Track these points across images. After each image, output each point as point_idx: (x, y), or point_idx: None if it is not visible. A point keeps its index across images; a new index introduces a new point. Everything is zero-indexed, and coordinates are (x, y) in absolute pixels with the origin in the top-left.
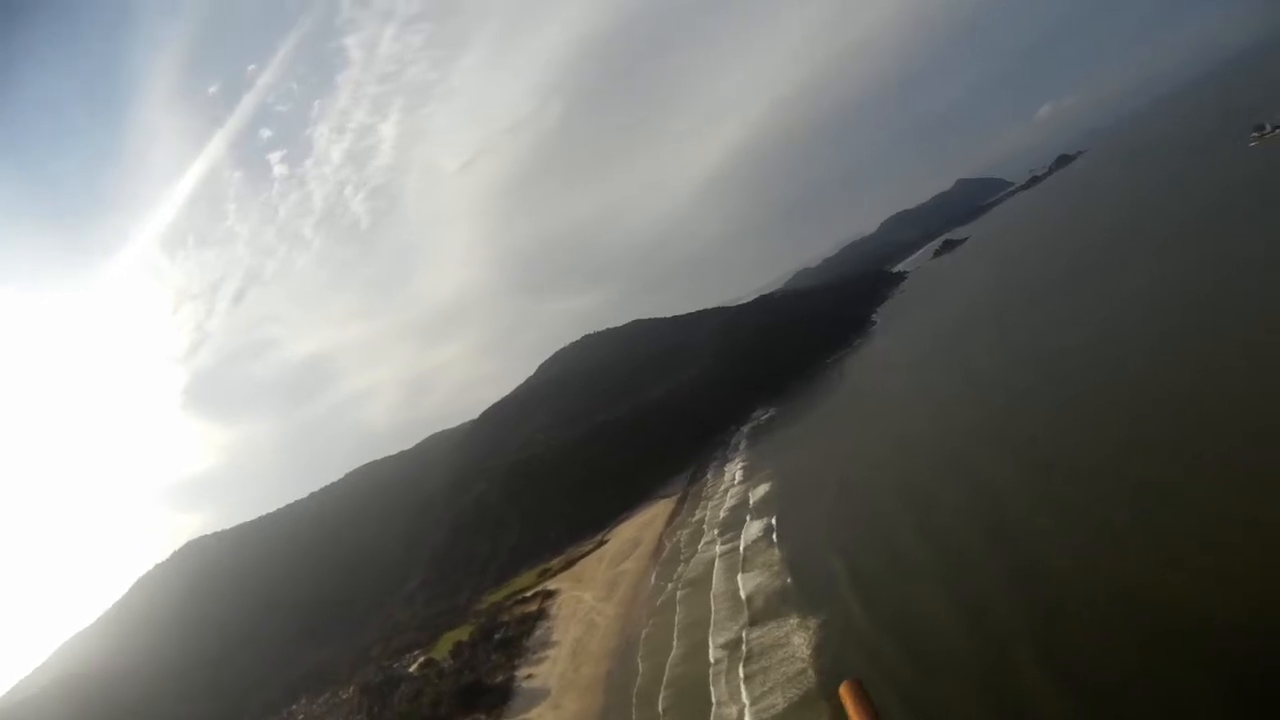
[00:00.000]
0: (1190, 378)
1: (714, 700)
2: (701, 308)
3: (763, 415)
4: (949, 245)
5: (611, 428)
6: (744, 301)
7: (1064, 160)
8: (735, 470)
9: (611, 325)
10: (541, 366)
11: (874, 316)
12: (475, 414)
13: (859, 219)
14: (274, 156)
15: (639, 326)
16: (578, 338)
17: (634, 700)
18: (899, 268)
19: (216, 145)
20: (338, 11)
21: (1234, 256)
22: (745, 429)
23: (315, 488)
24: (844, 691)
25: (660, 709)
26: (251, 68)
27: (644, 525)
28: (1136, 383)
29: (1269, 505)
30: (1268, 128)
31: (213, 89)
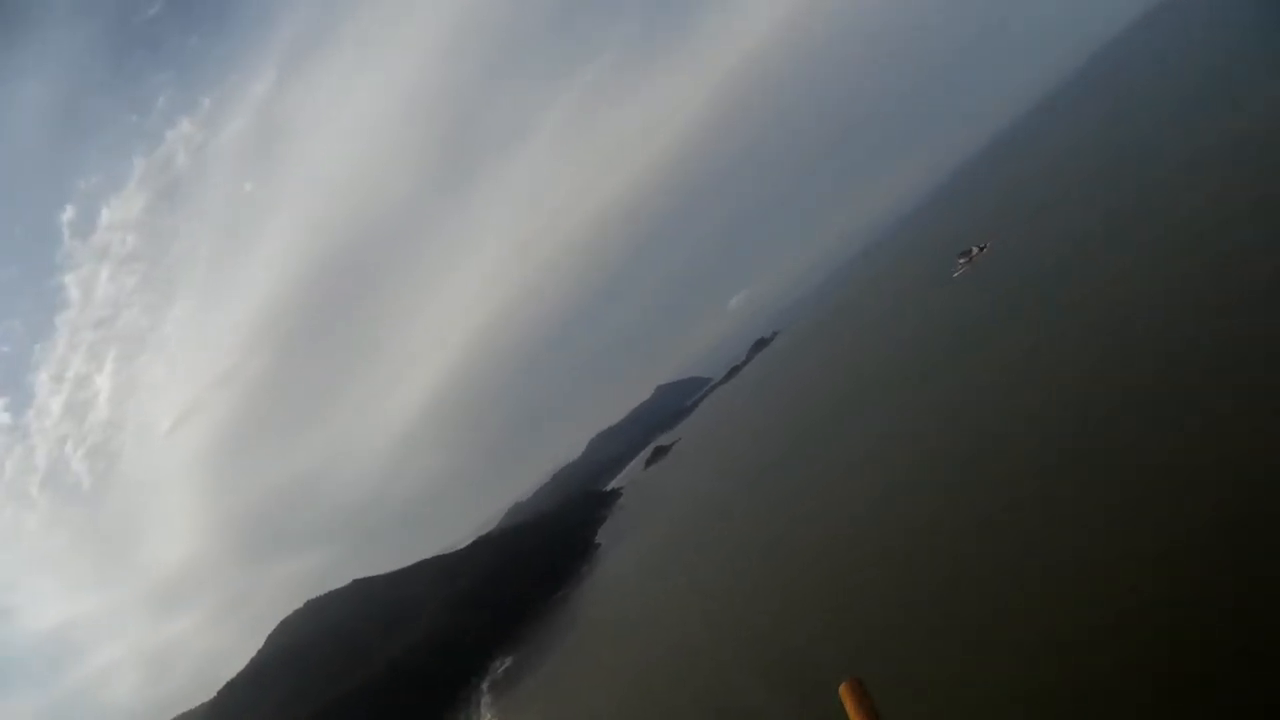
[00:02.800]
0: (902, 551)
1: None
2: (422, 558)
3: (500, 667)
4: (659, 452)
5: (343, 705)
6: (463, 546)
7: (761, 344)
8: None
9: (334, 587)
10: (270, 637)
11: (597, 539)
12: (215, 691)
13: (566, 443)
14: None
15: (361, 587)
16: (301, 604)
17: None
18: (613, 485)
19: None
20: (58, 245)
21: (938, 406)
22: (485, 684)
23: None
24: (844, 691)
25: None
26: None
27: None
28: (850, 567)
29: None
30: (973, 250)
31: None
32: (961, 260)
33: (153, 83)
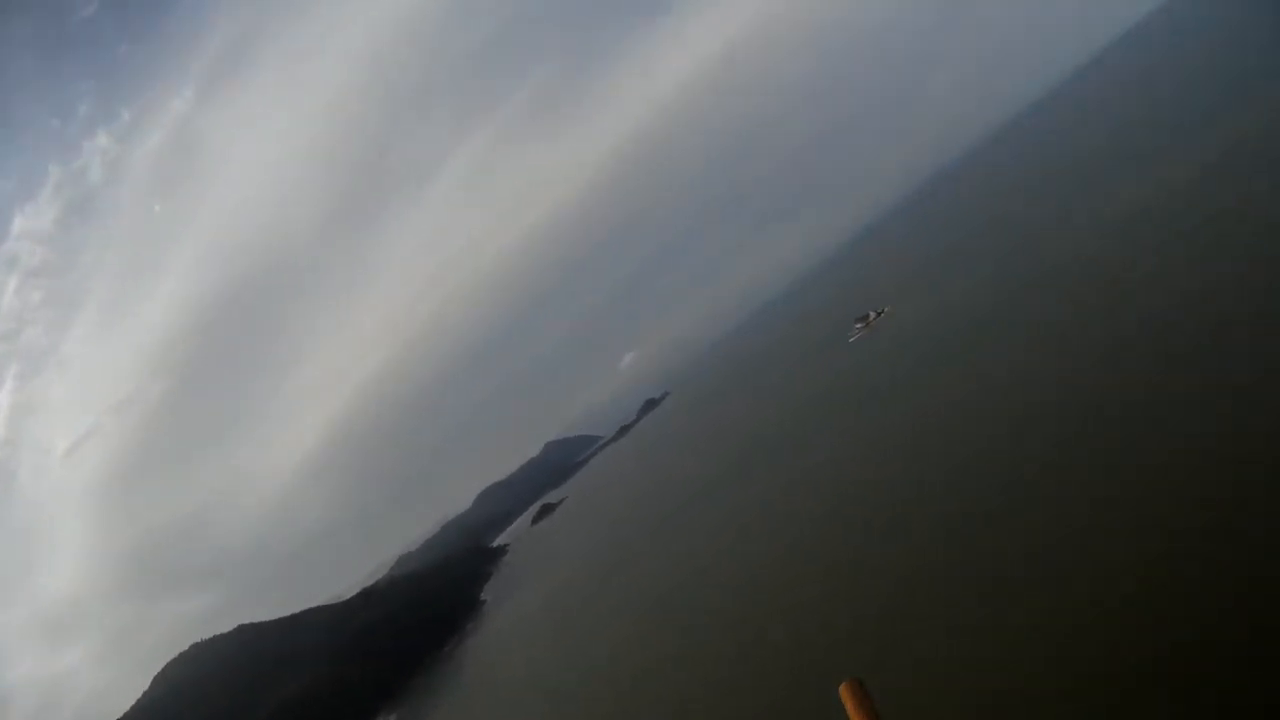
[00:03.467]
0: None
1: None
2: (309, 605)
3: None
4: (546, 509)
5: None
6: (350, 596)
7: (651, 404)
8: None
9: (220, 630)
10: (156, 678)
11: (483, 595)
12: None
13: (455, 495)
14: None
15: (246, 633)
16: (186, 647)
17: None
18: (499, 540)
19: None
20: None
21: (817, 472)
22: None
23: None
24: (844, 691)
25: None
26: None
27: None
28: (726, 629)
29: None
30: (870, 315)
31: None
32: (859, 325)
33: (77, 88)
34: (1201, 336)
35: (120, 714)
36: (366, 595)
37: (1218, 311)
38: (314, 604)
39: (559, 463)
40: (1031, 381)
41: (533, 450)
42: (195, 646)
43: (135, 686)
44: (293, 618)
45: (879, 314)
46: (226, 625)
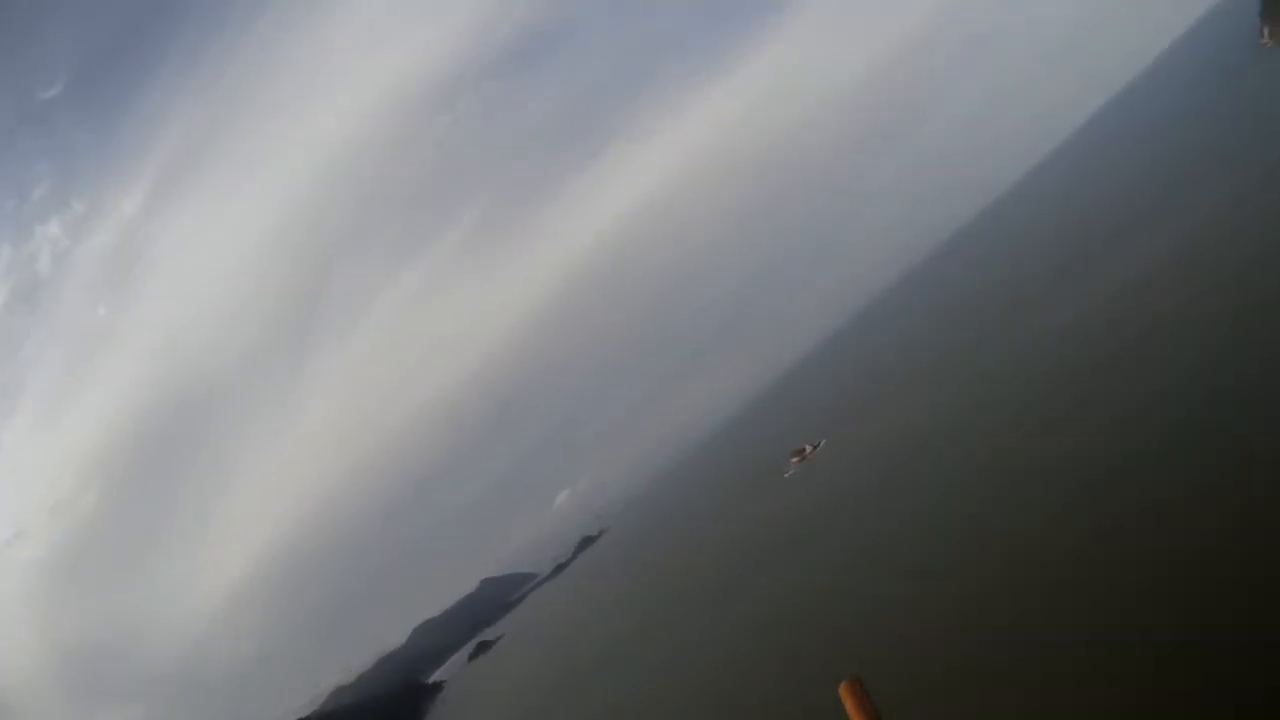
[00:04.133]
0: None
1: None
2: None
3: None
4: (483, 647)
5: None
6: None
7: (587, 542)
8: None
9: None
10: None
11: None
12: None
13: (390, 628)
14: None
15: None
16: None
17: None
18: (436, 676)
19: None
20: None
21: (748, 614)
22: None
23: None
24: (844, 691)
25: None
26: None
27: None
28: None
29: None
30: (806, 449)
31: None
32: (794, 459)
33: (34, 170)
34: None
35: None
36: None
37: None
38: None
39: (495, 599)
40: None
41: (469, 586)
42: None
43: None
44: None
45: (815, 447)
46: None
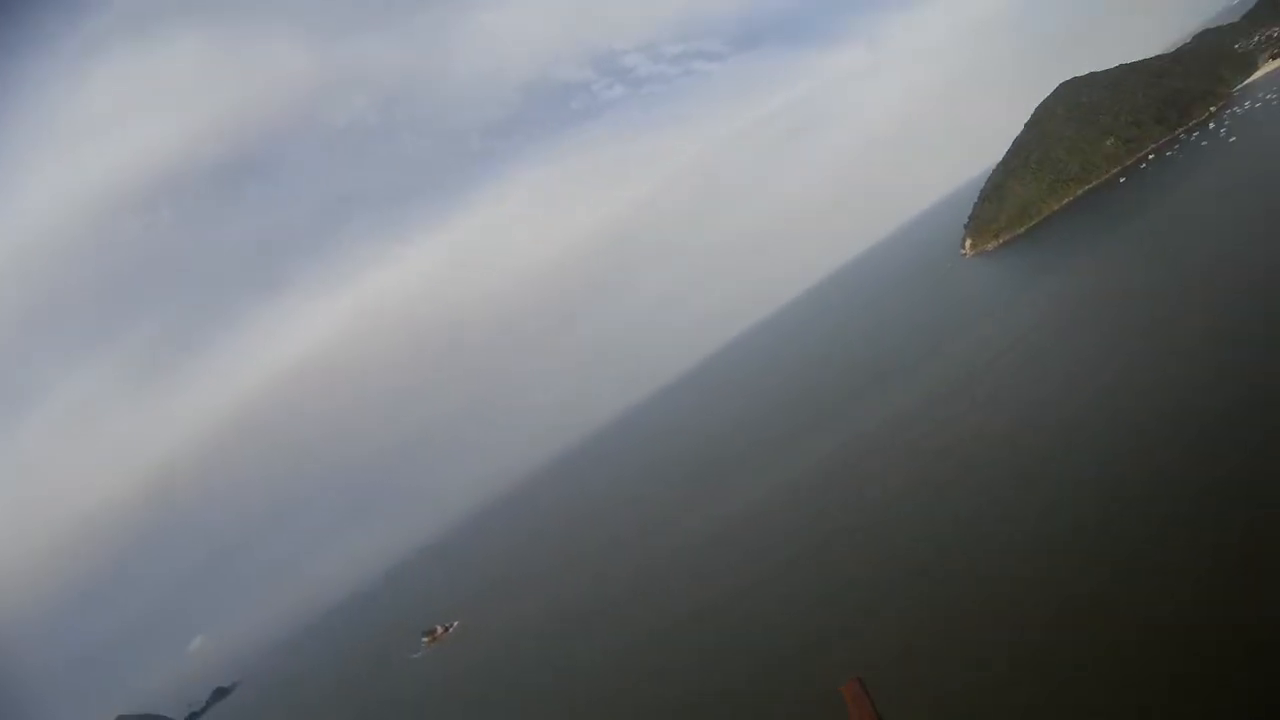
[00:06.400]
0: None
1: None
2: None
3: None
4: None
5: None
6: None
7: (221, 693)
8: None
9: None
10: None
11: None
12: None
13: None
14: None
15: None
16: None
17: None
18: None
19: None
20: None
21: None
22: None
23: None
24: (844, 691)
25: None
26: None
27: None
28: None
29: None
30: (438, 629)
31: None
32: (425, 639)
33: None
34: None
35: None
36: None
37: None
38: None
39: None
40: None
41: None
42: None
43: None
44: None
45: (446, 629)
46: None
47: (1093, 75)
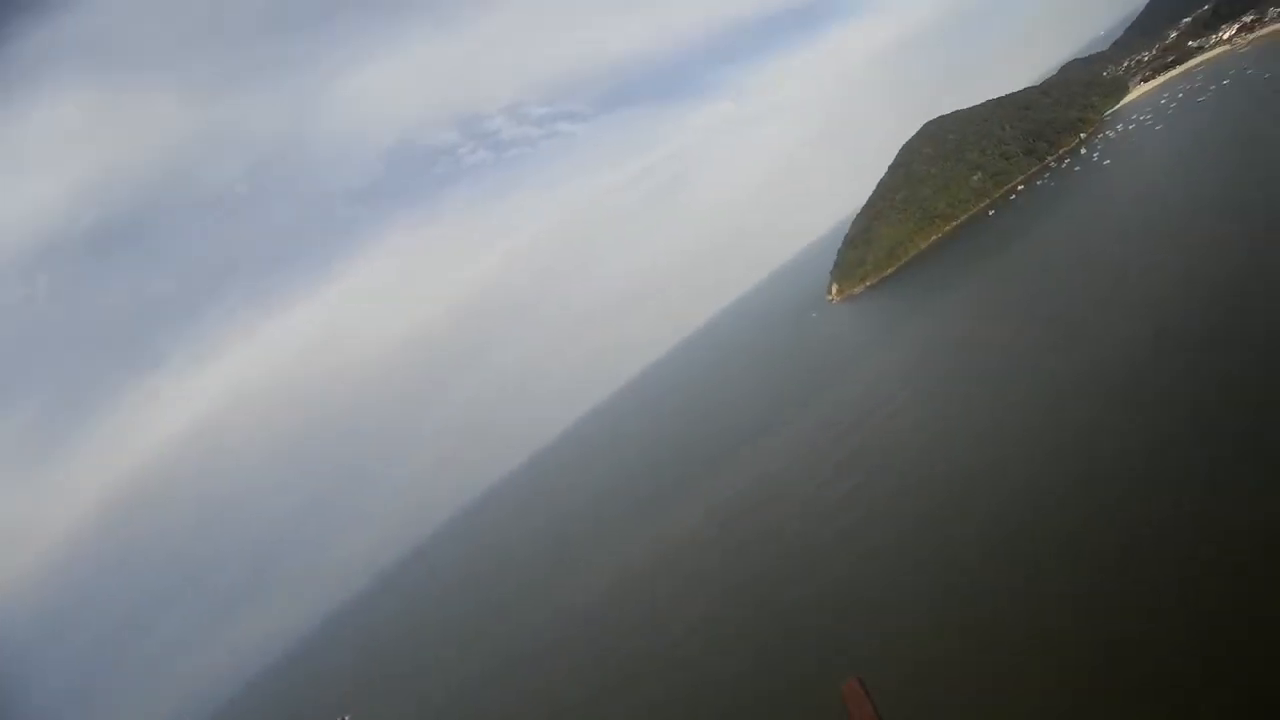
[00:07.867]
0: None
1: None
2: None
3: None
4: None
5: None
6: None
7: None
8: None
9: None
10: None
11: None
12: None
13: None
14: None
15: None
16: None
17: None
18: None
19: None
20: None
21: None
22: None
23: None
24: (845, 691)
25: None
26: None
27: None
28: None
29: None
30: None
31: None
32: None
33: None
34: None
35: None
36: None
37: None
38: None
39: None
40: None
41: None
42: None
43: None
44: None
45: None
46: None
47: (957, 113)
